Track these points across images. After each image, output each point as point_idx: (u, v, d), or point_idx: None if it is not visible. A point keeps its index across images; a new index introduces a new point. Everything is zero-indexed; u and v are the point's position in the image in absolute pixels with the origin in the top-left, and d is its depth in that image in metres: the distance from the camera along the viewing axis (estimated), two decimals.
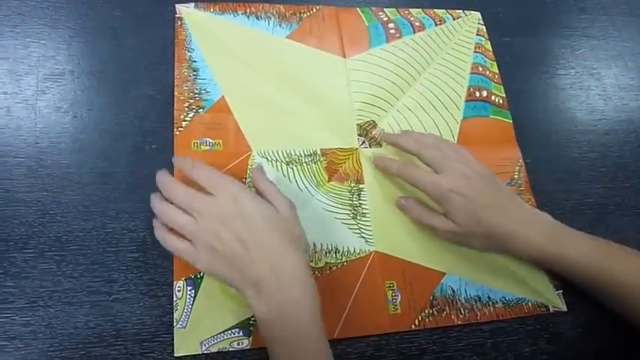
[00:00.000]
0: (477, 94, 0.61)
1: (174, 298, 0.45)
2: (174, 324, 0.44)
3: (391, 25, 0.63)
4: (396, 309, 0.49)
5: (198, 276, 0.46)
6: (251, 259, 0.40)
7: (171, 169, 0.50)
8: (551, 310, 0.51)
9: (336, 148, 0.54)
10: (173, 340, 0.44)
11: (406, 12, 0.64)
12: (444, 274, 0.51)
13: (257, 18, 0.59)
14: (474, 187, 0.48)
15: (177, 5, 0.57)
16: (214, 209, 0.41)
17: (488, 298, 0.51)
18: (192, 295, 0.45)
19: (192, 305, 0.45)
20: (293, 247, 0.41)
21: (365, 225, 0.51)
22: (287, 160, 0.52)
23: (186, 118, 0.52)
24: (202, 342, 0.44)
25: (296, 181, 0.52)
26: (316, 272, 0.48)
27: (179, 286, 0.45)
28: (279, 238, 0.41)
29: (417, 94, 0.59)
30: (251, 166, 0.51)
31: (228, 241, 0.40)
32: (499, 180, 0.51)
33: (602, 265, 0.47)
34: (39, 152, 0.48)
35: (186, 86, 0.54)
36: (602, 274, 0.47)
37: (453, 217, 0.48)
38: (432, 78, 0.61)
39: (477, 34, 0.65)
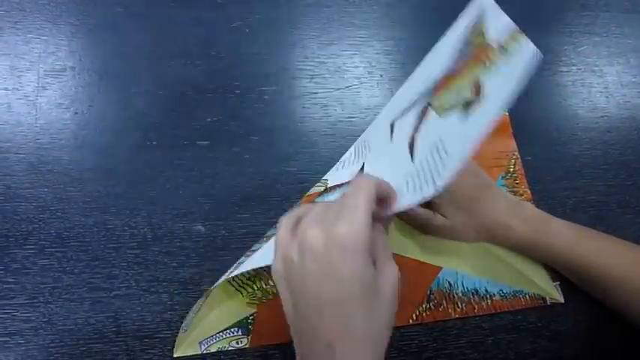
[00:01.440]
0: None
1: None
2: (181, 331, 0.44)
3: None
4: None
5: None
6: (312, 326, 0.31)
7: (169, 165, 0.50)
8: (549, 302, 0.51)
9: None
10: (173, 336, 0.44)
11: None
12: (441, 268, 0.51)
13: None
14: (459, 182, 0.46)
15: None
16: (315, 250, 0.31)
17: (486, 291, 0.51)
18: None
19: (192, 305, 0.45)
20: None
21: None
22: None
23: None
24: (201, 342, 0.44)
25: None
26: None
27: None
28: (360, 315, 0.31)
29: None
30: None
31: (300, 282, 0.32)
32: (483, 173, 0.51)
33: (584, 254, 0.47)
34: (40, 148, 0.48)
35: None
36: (585, 263, 0.47)
37: (442, 212, 0.48)
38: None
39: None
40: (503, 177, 0.56)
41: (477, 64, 0.44)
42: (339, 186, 0.49)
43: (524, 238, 0.48)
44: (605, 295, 0.49)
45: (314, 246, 0.30)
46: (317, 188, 0.50)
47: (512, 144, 0.58)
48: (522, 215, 0.49)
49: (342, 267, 0.30)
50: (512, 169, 0.57)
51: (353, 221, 0.30)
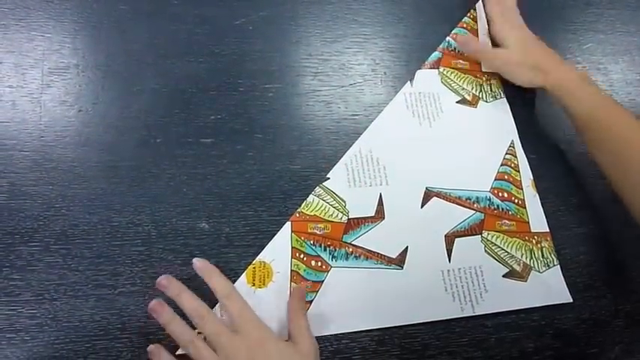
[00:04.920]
0: None
1: None
2: None
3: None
4: None
5: None
6: None
7: (173, 163, 0.50)
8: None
9: None
10: None
11: None
12: None
13: None
14: (530, 32, 0.60)
15: None
16: (240, 354, 0.40)
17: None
18: None
19: None
20: None
21: None
22: None
23: None
24: None
25: None
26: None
27: None
28: None
29: None
30: None
31: None
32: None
33: (605, 115, 0.53)
34: (44, 146, 0.49)
35: None
36: (602, 120, 0.53)
37: (510, 47, 0.59)
38: None
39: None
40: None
41: (472, 77, 0.62)
42: (363, 220, 0.51)
43: (564, 79, 0.55)
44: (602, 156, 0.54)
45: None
46: (335, 211, 0.51)
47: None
48: (574, 72, 0.57)
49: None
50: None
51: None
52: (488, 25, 0.62)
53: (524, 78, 0.58)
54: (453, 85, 0.60)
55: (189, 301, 0.42)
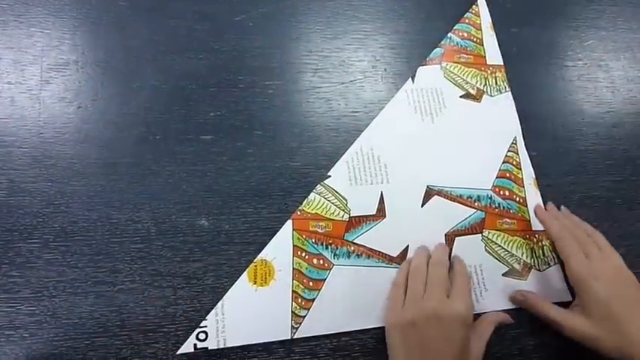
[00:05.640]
0: None
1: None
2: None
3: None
4: None
5: None
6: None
7: (173, 160, 0.50)
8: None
9: None
10: (177, 330, 0.44)
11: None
12: None
13: None
14: (620, 283, 0.45)
15: None
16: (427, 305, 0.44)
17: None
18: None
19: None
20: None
21: None
22: None
23: None
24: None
25: None
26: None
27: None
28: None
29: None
30: None
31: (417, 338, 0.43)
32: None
33: None
34: (43, 142, 0.48)
35: None
36: None
37: (588, 311, 0.44)
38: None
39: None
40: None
41: (476, 70, 0.61)
42: (364, 218, 0.51)
43: None
44: None
45: (438, 316, 0.43)
46: (337, 209, 0.50)
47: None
48: None
49: (457, 333, 0.42)
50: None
51: (467, 301, 0.44)
52: (557, 252, 0.49)
53: (608, 351, 0.43)
54: (456, 79, 0.59)
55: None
